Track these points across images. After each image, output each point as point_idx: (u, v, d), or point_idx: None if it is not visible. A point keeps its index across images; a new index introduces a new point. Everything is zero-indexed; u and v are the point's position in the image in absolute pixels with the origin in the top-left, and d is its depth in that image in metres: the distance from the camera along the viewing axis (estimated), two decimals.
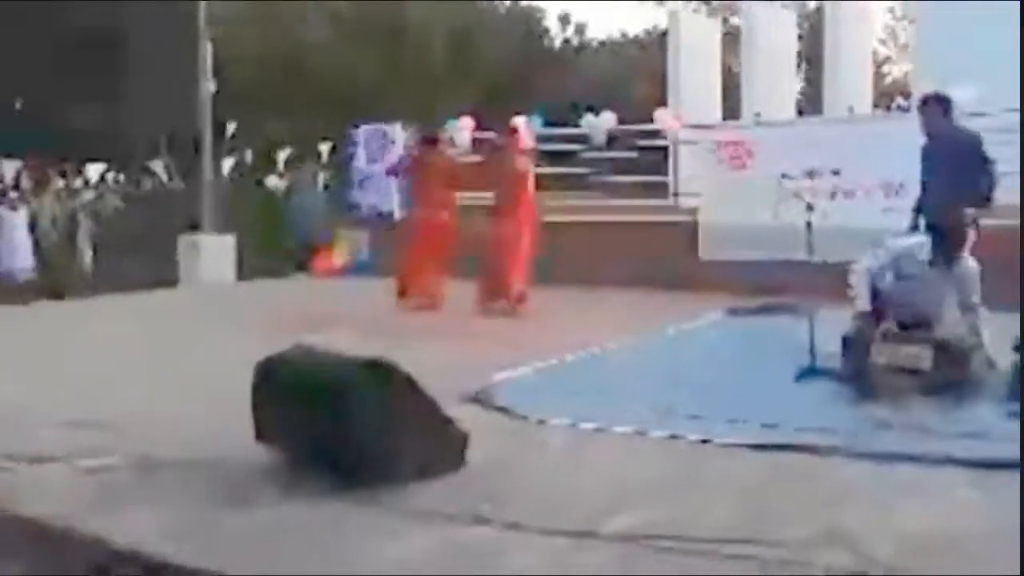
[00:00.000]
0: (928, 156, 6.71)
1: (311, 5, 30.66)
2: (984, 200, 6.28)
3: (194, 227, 14.21)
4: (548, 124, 13.64)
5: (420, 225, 10.15)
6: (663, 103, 15.48)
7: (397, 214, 13.44)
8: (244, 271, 14.06)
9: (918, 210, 6.63)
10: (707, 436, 4.90)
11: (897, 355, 5.44)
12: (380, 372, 4.30)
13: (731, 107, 17.54)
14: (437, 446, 4.34)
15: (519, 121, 10.36)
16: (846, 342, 5.83)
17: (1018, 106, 9.21)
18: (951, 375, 5.34)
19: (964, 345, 5.47)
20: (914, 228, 6.46)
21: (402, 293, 10.06)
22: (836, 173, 9.51)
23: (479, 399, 5.78)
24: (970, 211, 6.23)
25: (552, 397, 5.86)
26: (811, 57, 18.24)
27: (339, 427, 4.14)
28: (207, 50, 14.52)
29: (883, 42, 37.60)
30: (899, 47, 38.10)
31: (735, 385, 6.13)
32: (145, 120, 22.63)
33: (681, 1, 34.60)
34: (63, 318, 10.69)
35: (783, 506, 3.94)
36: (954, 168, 6.37)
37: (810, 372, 6.01)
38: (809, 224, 6.39)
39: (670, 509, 3.90)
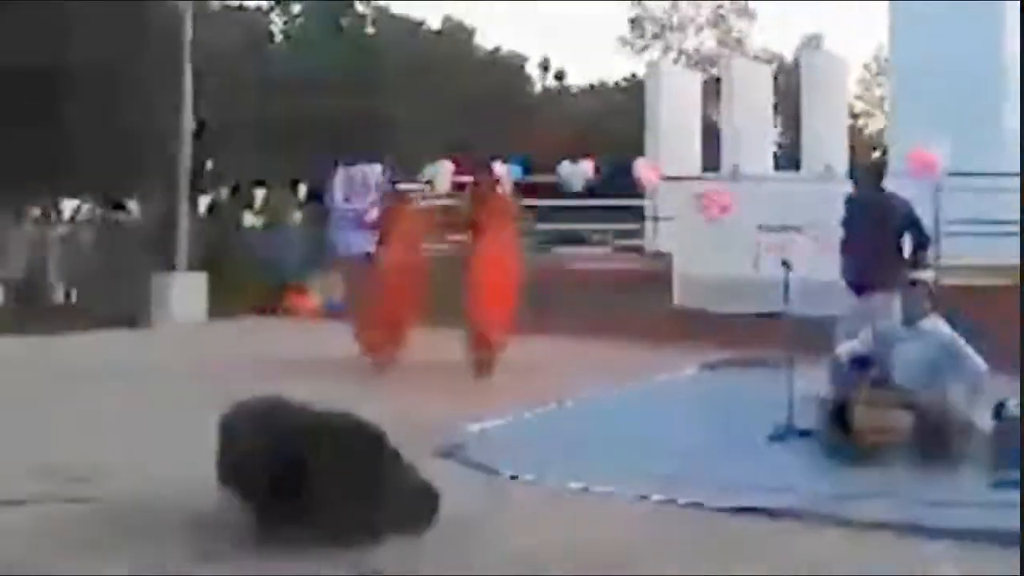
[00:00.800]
0: (854, 218, 7.03)
1: (291, 46, 30.87)
2: (922, 262, 6.77)
3: (170, 266, 14.04)
4: (527, 172, 13.63)
5: (390, 269, 9.72)
6: (642, 151, 15.59)
7: (374, 256, 13.32)
8: (216, 310, 13.89)
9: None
10: (674, 497, 4.82)
11: (877, 419, 5.40)
12: (349, 426, 4.22)
13: (710, 158, 17.70)
14: (408, 504, 4.24)
15: (500, 168, 10.23)
16: (823, 403, 5.78)
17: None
18: (932, 441, 5.29)
19: (945, 410, 5.42)
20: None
21: (369, 346, 9.58)
22: (798, 230, 9.64)
23: (451, 453, 5.68)
24: (917, 272, 6.41)
25: (525, 452, 5.77)
26: (787, 113, 18.38)
27: (306, 481, 4.04)
28: (189, 86, 14.47)
29: (859, 97, 38.19)
30: (875, 101, 38.77)
31: (707, 443, 6.06)
32: (123, 155, 22.49)
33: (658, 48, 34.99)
34: (25, 354, 10.48)
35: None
36: (883, 232, 6.84)
37: (786, 432, 5.94)
38: (786, 282, 6.37)
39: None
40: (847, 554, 4.15)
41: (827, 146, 15.68)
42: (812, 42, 29.56)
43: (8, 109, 21.11)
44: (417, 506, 4.28)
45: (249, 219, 16.00)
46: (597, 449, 5.87)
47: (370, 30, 33.42)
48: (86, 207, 16.37)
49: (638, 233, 15.15)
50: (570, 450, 5.85)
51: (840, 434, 5.56)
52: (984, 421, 5.42)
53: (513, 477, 5.28)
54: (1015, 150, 11.29)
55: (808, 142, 15.95)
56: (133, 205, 13.61)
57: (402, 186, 10.80)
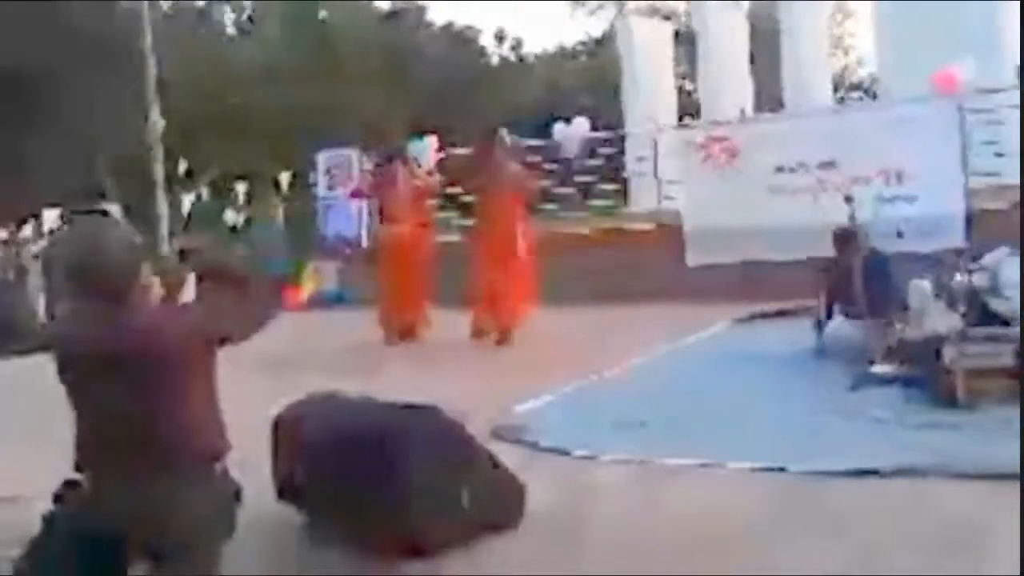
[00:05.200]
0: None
1: (244, 34, 30.02)
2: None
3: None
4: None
5: (394, 244, 9.34)
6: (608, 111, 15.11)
7: (365, 240, 12.83)
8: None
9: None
10: (776, 465, 4.37)
11: (975, 358, 4.98)
12: (426, 417, 3.74)
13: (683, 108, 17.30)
14: (494, 500, 3.78)
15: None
16: (903, 345, 5.37)
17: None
18: None
19: None
20: None
21: (387, 324, 9.32)
22: (832, 165, 9.27)
23: (508, 435, 5.21)
24: None
25: (584, 429, 5.31)
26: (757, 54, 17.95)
27: (385, 483, 3.56)
28: (153, 82, 13.86)
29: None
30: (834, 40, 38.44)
31: (780, 403, 5.59)
32: (90, 157, 21.67)
33: (617, 1, 34.35)
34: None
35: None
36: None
37: (867, 379, 5.53)
38: (852, 215, 5.95)
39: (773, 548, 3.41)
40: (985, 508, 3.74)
41: (809, 82, 15.31)
42: None
43: None
44: (507, 500, 3.83)
45: (231, 215, 15.40)
46: (659, 420, 5.39)
47: (322, 14, 32.58)
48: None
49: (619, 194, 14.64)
50: (629, 423, 5.37)
51: (935, 378, 5.16)
52: None
53: (587, 457, 4.83)
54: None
55: (791, 80, 15.53)
56: (115, 209, 12.96)
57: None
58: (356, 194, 11.63)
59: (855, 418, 5.08)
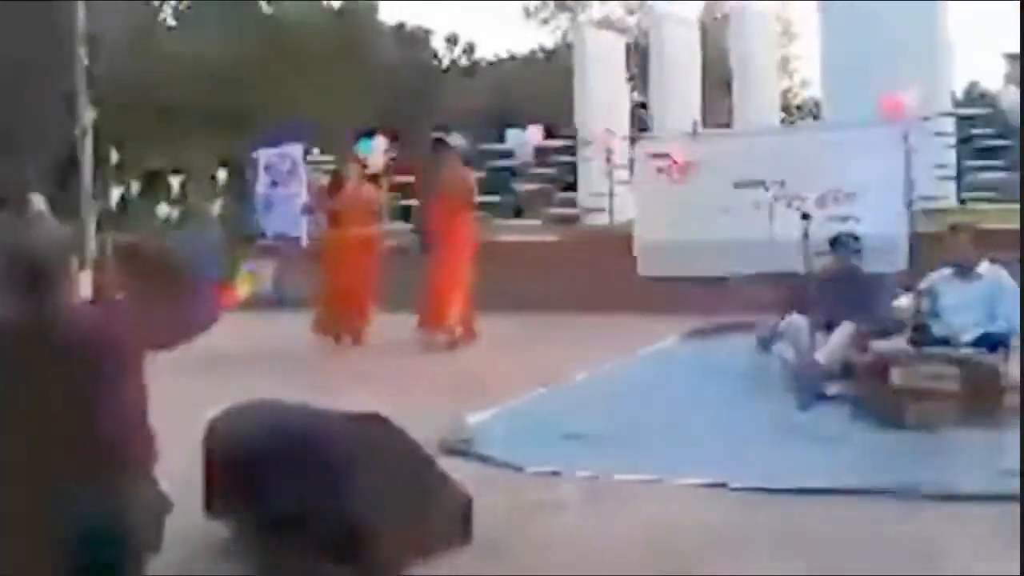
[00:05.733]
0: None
1: (187, 28, 29.36)
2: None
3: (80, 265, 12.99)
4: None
5: (341, 247, 9.20)
6: (569, 119, 15.00)
7: (305, 240, 12.55)
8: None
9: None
10: (725, 481, 4.32)
11: (919, 378, 4.97)
12: (370, 426, 3.56)
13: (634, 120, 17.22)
14: (443, 515, 3.61)
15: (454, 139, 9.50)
16: (850, 366, 5.34)
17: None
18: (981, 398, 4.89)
19: (995, 366, 5.02)
20: None
21: (325, 327, 9.13)
22: (781, 184, 9.27)
23: (457, 448, 5.05)
24: None
25: (536, 443, 5.18)
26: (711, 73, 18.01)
27: (324, 497, 3.37)
28: (83, 72, 13.41)
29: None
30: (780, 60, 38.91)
31: (730, 418, 5.55)
32: (12, 151, 20.96)
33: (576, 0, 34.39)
34: None
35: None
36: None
37: (816, 399, 5.48)
38: (806, 233, 5.90)
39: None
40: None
41: (757, 105, 15.40)
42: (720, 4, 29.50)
43: None
44: (456, 515, 3.66)
45: (164, 209, 14.96)
46: (611, 434, 5.29)
47: (267, 9, 32.03)
48: None
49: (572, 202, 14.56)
50: (581, 437, 5.26)
51: (879, 397, 5.14)
52: None
53: (539, 472, 4.69)
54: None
55: (739, 98, 15.58)
56: (41, 203, 12.51)
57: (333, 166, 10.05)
58: (307, 211, 11.50)
59: (801, 436, 5.04)
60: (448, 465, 4.49)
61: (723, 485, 4.30)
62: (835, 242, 6.36)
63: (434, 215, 8.81)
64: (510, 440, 5.20)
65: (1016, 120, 10.17)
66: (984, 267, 5.63)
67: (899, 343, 5.67)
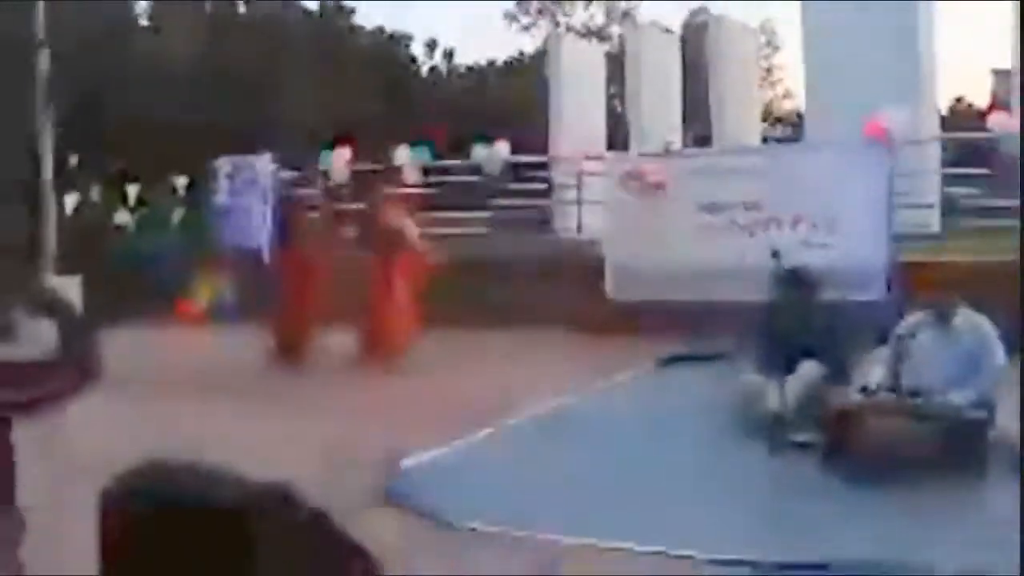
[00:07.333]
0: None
1: (162, 33, 28.79)
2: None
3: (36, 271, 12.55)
4: (437, 157, 12.57)
5: (304, 264, 9.17)
6: (544, 131, 14.63)
7: (266, 254, 12.09)
8: (92, 316, 12.34)
9: None
10: (690, 554, 3.96)
11: (885, 430, 4.62)
12: (281, 501, 3.15)
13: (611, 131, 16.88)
14: None
15: (403, 155, 9.24)
16: (827, 414, 4.98)
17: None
18: (957, 453, 4.54)
19: (972, 417, 4.67)
20: None
21: (283, 346, 8.83)
22: (756, 207, 8.95)
23: (390, 498, 4.67)
24: None
25: (475, 493, 4.82)
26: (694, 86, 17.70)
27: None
28: (45, 76, 12.92)
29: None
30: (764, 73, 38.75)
31: (695, 469, 5.18)
32: None
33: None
34: None
35: None
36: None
37: (784, 445, 5.12)
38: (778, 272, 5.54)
39: None
40: None
41: (737, 118, 15.10)
42: (700, 14, 29.25)
43: None
44: None
45: (123, 217, 14.48)
46: (561, 487, 4.91)
47: (241, 9, 31.51)
48: None
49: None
50: (528, 488, 4.88)
51: (845, 448, 4.79)
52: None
53: (472, 529, 4.31)
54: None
55: (717, 115, 15.28)
56: None
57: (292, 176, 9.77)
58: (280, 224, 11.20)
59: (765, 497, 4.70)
60: (375, 516, 4.19)
61: (660, 553, 3.94)
62: (786, 276, 5.94)
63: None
64: (444, 489, 4.82)
65: (1004, 145, 9.86)
66: (963, 316, 5.20)
67: (873, 392, 5.23)
